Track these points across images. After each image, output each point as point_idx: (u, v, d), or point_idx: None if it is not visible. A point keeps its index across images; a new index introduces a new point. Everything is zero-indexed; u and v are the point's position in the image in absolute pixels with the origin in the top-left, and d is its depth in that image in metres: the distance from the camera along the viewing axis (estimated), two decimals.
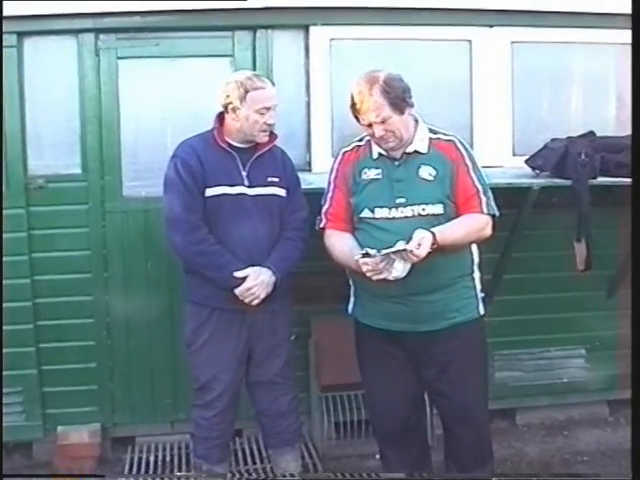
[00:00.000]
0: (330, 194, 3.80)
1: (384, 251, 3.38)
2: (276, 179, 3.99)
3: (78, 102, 4.74)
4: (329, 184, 3.82)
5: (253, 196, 3.93)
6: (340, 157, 3.82)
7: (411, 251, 3.35)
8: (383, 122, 3.56)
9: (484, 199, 3.62)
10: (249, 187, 3.93)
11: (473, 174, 3.64)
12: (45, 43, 4.69)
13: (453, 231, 3.54)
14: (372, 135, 3.63)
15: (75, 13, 4.55)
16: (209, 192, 3.89)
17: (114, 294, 4.90)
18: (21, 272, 4.72)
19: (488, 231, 3.65)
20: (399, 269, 3.39)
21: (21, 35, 4.61)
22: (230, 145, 3.96)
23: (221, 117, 4.00)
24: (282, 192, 4.01)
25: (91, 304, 4.89)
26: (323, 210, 3.81)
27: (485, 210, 3.61)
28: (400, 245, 3.40)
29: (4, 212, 4.58)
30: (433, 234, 3.41)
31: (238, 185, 3.91)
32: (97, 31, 4.69)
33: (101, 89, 4.74)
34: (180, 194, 3.88)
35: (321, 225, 3.80)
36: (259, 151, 3.98)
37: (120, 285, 4.90)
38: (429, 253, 3.42)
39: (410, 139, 3.66)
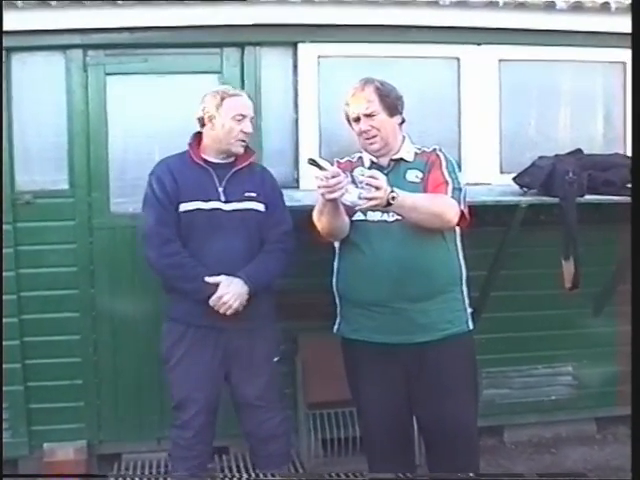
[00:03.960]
0: None
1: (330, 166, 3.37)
2: (254, 194, 3.98)
3: (66, 118, 4.75)
4: None
5: (229, 211, 3.92)
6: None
7: (368, 177, 3.32)
8: (370, 116, 3.65)
9: (451, 187, 3.60)
10: (225, 202, 3.92)
11: (445, 170, 3.66)
12: (33, 59, 4.70)
13: (413, 196, 3.49)
14: (359, 133, 3.70)
15: (63, 29, 4.55)
16: (183, 207, 3.90)
17: (101, 310, 4.88)
18: (8, 288, 4.67)
19: (452, 214, 3.55)
20: (353, 194, 3.32)
21: (9, 51, 4.60)
22: (206, 161, 3.97)
23: (197, 136, 4.03)
24: (260, 207, 3.99)
25: (77, 320, 4.87)
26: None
27: (450, 195, 3.59)
28: (357, 170, 3.43)
29: None
30: (392, 187, 3.37)
31: (213, 200, 3.91)
32: (85, 47, 4.69)
33: (89, 105, 4.75)
34: (153, 209, 3.90)
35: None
36: (237, 167, 3.98)
37: (107, 301, 4.87)
38: (422, 254, 3.53)
39: (397, 148, 3.73)
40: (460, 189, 3.64)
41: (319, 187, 3.34)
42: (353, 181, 3.36)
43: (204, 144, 4.00)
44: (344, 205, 3.46)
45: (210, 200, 3.91)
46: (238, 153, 3.98)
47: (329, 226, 3.62)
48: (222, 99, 3.90)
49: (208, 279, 3.83)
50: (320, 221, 3.62)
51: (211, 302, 3.83)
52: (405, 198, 3.40)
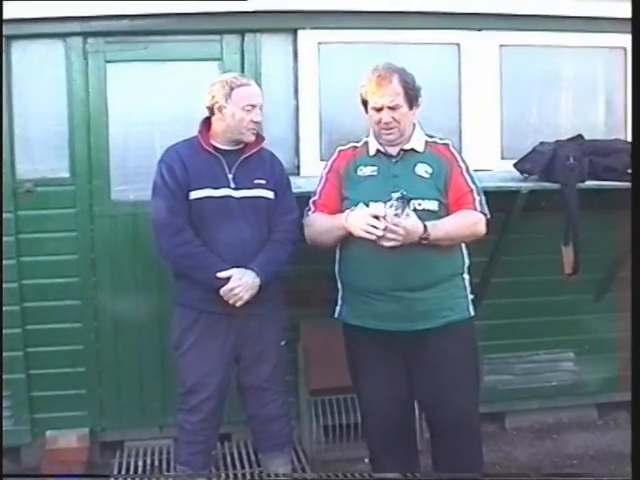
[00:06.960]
0: (321, 187, 3.84)
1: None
2: (263, 181, 3.97)
3: (66, 106, 4.73)
4: (321, 178, 3.87)
5: (239, 198, 3.92)
6: (336, 154, 3.88)
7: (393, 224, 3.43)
8: (394, 109, 3.65)
9: (477, 198, 3.69)
10: (235, 189, 3.92)
11: (467, 175, 3.71)
12: (33, 47, 4.68)
13: (444, 224, 3.59)
14: (377, 122, 3.69)
15: (63, 17, 4.53)
16: (193, 195, 3.89)
17: (102, 298, 4.88)
18: (9, 276, 4.68)
19: (482, 228, 3.69)
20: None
21: (9, 38, 4.58)
22: (216, 148, 3.95)
23: (206, 122, 4.01)
24: (270, 194, 3.99)
25: (79, 308, 4.87)
26: (312, 200, 3.84)
27: (478, 208, 3.67)
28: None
29: None
30: (425, 226, 3.48)
31: (223, 188, 3.90)
32: (85, 34, 4.67)
33: (89, 93, 4.73)
34: (165, 198, 3.88)
35: (309, 214, 3.83)
36: (246, 153, 3.97)
37: (108, 289, 4.87)
38: (423, 246, 3.52)
39: (408, 138, 3.73)
40: (481, 195, 3.72)
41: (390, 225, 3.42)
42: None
43: (214, 131, 3.98)
44: None
45: (220, 187, 3.90)
46: (249, 141, 3.97)
47: (326, 242, 3.78)
48: (231, 89, 3.87)
49: (220, 274, 3.83)
50: (315, 233, 3.79)
51: (222, 293, 3.83)
52: (437, 232, 3.53)
